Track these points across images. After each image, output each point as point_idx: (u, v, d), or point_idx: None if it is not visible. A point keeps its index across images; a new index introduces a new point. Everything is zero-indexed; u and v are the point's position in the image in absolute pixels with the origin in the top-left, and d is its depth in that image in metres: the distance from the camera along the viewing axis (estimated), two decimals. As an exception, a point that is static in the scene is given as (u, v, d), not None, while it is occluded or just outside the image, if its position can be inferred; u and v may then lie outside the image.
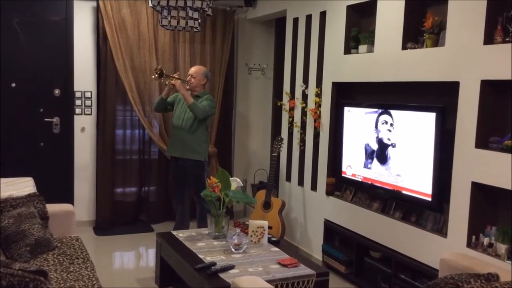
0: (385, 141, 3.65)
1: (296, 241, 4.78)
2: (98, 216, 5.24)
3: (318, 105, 4.41)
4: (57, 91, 5.06)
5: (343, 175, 4.13)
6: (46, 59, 4.99)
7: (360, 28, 4.05)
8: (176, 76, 4.48)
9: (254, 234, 3.52)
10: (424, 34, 3.33)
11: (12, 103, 4.88)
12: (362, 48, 3.89)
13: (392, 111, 3.58)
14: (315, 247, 4.48)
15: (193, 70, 4.55)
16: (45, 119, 5.04)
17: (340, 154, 4.15)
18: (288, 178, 4.94)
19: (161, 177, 5.49)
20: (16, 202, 3.25)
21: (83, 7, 5.05)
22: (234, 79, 5.74)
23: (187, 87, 4.47)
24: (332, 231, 4.27)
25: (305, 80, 4.64)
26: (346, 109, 4.06)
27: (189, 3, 3.72)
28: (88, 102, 5.17)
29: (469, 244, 2.97)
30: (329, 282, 3.13)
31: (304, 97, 4.64)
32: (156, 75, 4.36)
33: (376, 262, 3.72)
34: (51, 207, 3.44)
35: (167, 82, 4.45)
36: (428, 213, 3.40)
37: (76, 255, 3.09)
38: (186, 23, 3.91)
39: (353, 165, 4.01)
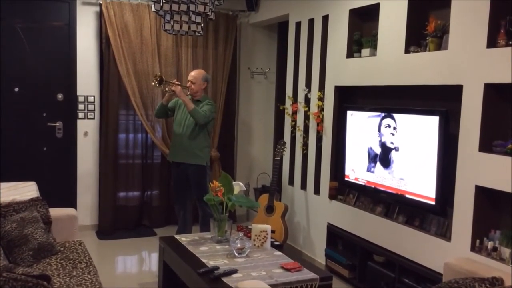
0: (388, 144, 3.65)
1: (299, 245, 4.77)
2: (101, 220, 5.24)
3: (321, 109, 4.41)
4: (60, 96, 5.07)
5: (346, 179, 4.12)
6: (49, 64, 5.01)
7: (363, 32, 4.05)
8: (176, 82, 4.48)
9: (257, 238, 3.51)
10: (427, 38, 3.33)
11: (15, 107, 4.89)
12: (365, 52, 3.89)
13: (395, 115, 3.57)
14: (318, 251, 4.47)
15: (192, 75, 4.54)
16: (48, 124, 5.05)
17: (343, 158, 4.15)
18: (291, 182, 4.94)
19: (163, 181, 5.50)
20: (19, 206, 3.25)
21: (86, 12, 5.06)
22: (236, 83, 5.75)
23: (188, 93, 4.47)
24: (335, 235, 4.26)
25: (308, 84, 4.64)
26: (349, 112, 4.06)
27: (192, 8, 3.73)
28: (91, 107, 5.17)
29: (473, 248, 2.95)
30: (332, 286, 3.12)
31: (307, 101, 4.64)
32: (156, 82, 4.36)
33: (380, 267, 3.71)
34: (54, 212, 3.44)
35: (167, 89, 4.44)
36: (431, 217, 3.39)
37: (79, 259, 3.09)
38: (189, 28, 3.92)
39: (356, 169, 4.00)
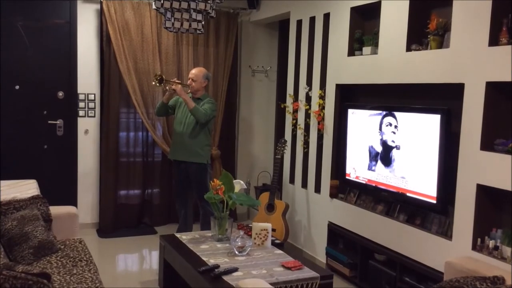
0: (390, 143, 3.64)
1: (300, 244, 4.76)
2: (102, 218, 5.24)
3: (322, 107, 4.40)
4: (60, 94, 5.07)
5: (347, 177, 4.12)
6: (50, 62, 5.00)
7: (364, 30, 4.04)
8: (176, 81, 4.48)
9: (258, 236, 3.51)
10: (429, 36, 3.32)
11: (16, 105, 4.89)
12: (366, 50, 3.88)
13: (396, 113, 3.56)
14: (319, 250, 4.46)
15: (193, 73, 4.54)
16: (49, 122, 5.05)
17: (344, 156, 4.14)
18: (292, 181, 4.93)
19: (164, 179, 5.49)
20: (20, 204, 3.24)
21: (86, 9, 5.06)
22: (237, 82, 5.74)
23: (189, 91, 4.47)
24: (336, 233, 4.26)
25: (309, 82, 4.63)
26: (350, 111, 4.05)
27: (193, 5, 3.72)
28: (91, 105, 5.17)
29: (474, 247, 2.95)
30: (333, 285, 3.12)
31: (308, 99, 4.63)
32: (156, 81, 4.36)
33: (381, 265, 3.70)
34: (55, 210, 3.44)
35: (167, 88, 4.44)
36: (433, 215, 3.38)
37: (79, 257, 3.08)
38: (190, 25, 3.91)
39: (357, 168, 3.99)
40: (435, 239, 3.22)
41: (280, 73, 5.81)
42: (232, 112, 5.72)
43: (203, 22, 3.96)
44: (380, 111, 3.72)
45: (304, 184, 4.72)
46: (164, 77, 4.42)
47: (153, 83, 4.41)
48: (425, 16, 3.41)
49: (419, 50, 3.38)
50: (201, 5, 3.72)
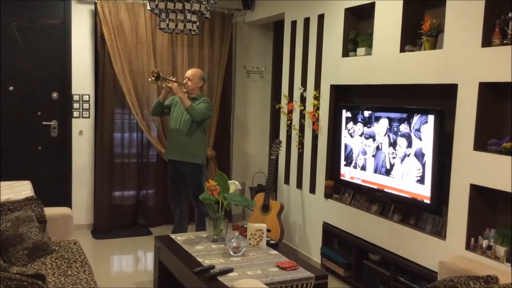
0: (384, 143, 3.65)
1: (295, 244, 4.77)
2: (96, 219, 5.23)
3: (317, 107, 4.41)
4: (55, 95, 5.05)
5: (341, 177, 4.13)
6: (44, 63, 4.98)
7: (358, 31, 4.06)
8: (173, 79, 4.48)
9: (253, 237, 3.51)
10: (422, 37, 3.34)
11: (10, 106, 4.87)
12: (360, 50, 3.90)
13: (390, 114, 3.58)
14: (314, 250, 4.47)
15: (189, 73, 4.55)
16: (43, 123, 5.03)
17: (338, 156, 4.15)
18: (287, 181, 4.94)
19: (159, 180, 5.48)
20: (14, 205, 3.23)
21: (81, 10, 5.04)
22: (232, 82, 5.74)
23: (184, 90, 4.47)
24: (331, 234, 4.27)
25: (304, 83, 4.64)
26: (344, 111, 4.06)
27: (187, 6, 3.73)
28: (86, 106, 5.16)
29: (468, 247, 2.96)
30: (328, 285, 3.12)
31: (303, 100, 4.64)
32: (153, 78, 4.36)
33: (375, 265, 3.72)
34: (49, 211, 3.43)
35: (164, 85, 4.44)
36: (427, 215, 3.40)
37: (74, 258, 3.08)
38: (184, 26, 3.92)
39: (352, 168, 4.00)
40: (429, 239, 3.24)
41: (275, 74, 5.81)
42: (227, 113, 5.72)
43: (197, 23, 3.97)
44: (374, 112, 3.74)
45: (299, 185, 4.73)
46: (161, 74, 4.42)
47: (150, 79, 4.40)
48: (418, 17, 3.43)
49: (412, 51, 3.40)
50: (196, 6, 3.73)
